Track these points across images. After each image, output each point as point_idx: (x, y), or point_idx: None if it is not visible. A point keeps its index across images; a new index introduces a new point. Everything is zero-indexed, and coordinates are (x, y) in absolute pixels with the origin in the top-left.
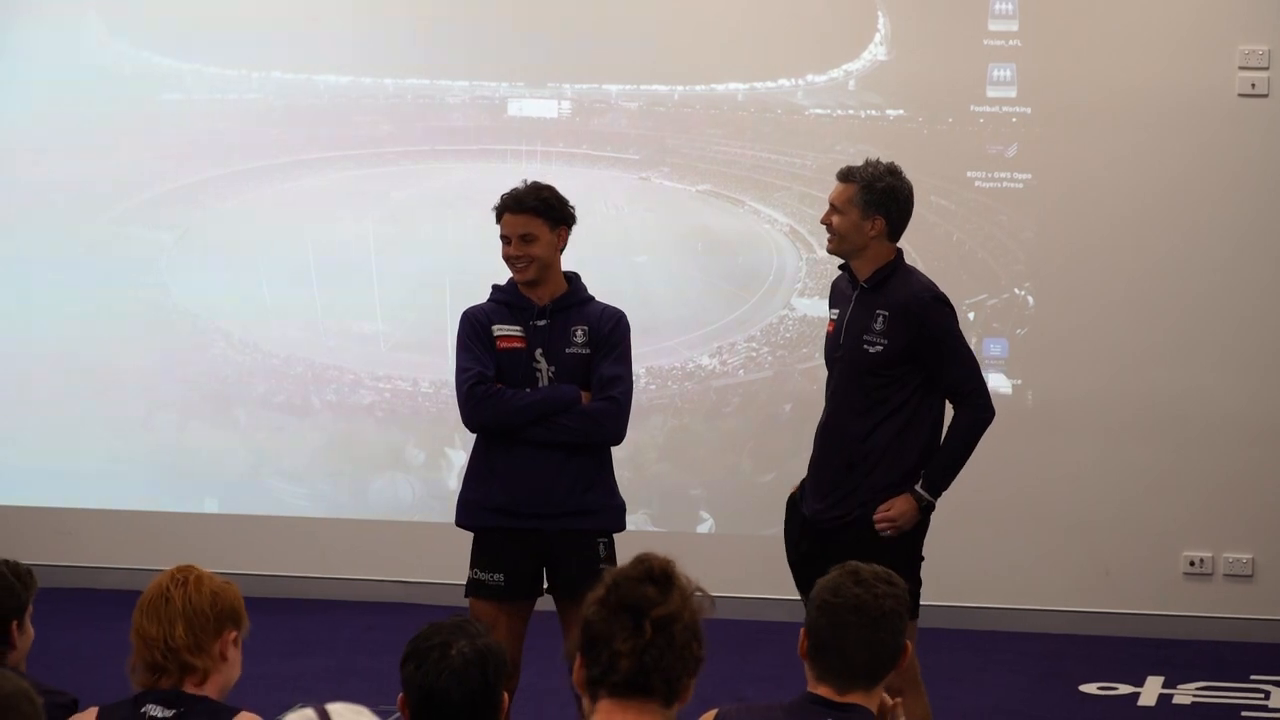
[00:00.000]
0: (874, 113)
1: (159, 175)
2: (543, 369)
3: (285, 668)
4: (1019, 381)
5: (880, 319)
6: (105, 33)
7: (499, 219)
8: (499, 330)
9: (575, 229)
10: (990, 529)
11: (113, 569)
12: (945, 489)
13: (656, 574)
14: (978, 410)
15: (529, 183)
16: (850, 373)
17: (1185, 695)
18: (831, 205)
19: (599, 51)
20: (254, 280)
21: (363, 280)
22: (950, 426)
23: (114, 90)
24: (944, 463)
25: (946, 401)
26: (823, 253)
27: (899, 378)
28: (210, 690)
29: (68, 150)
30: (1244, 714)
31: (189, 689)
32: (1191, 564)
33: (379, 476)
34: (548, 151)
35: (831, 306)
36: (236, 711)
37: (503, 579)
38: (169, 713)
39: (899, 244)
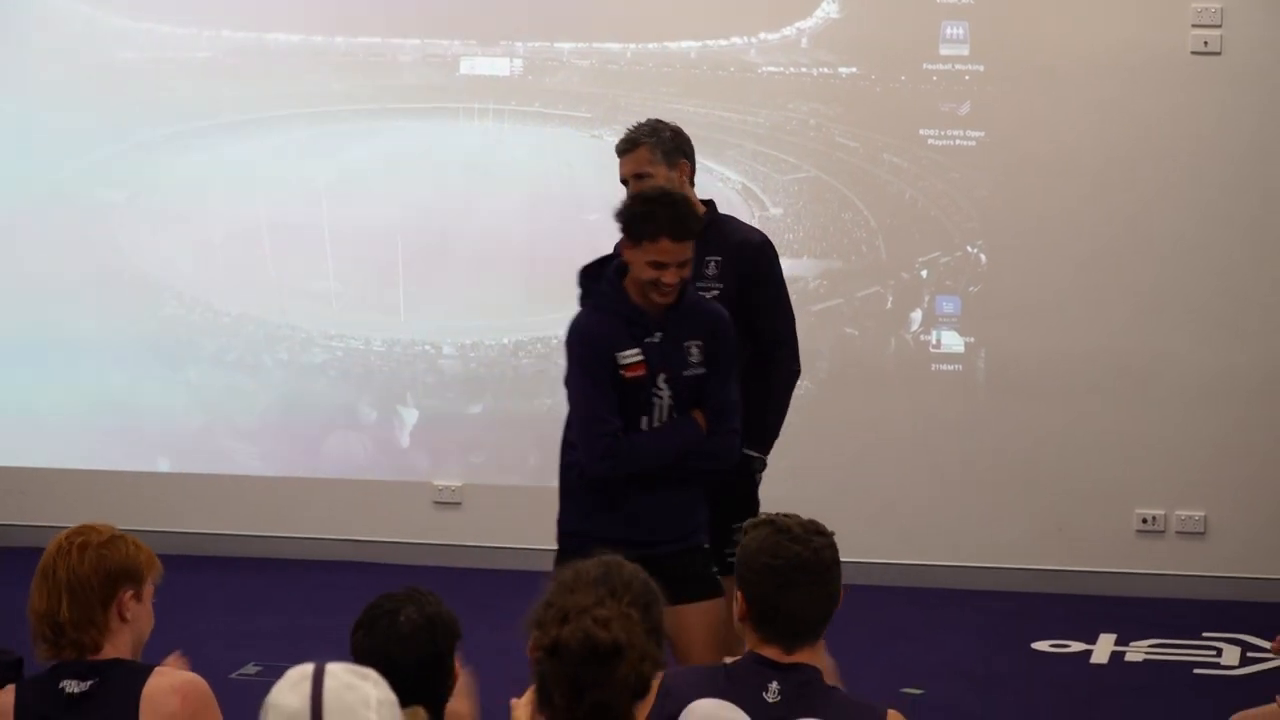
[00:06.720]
0: (826, 70)
1: (110, 134)
2: (664, 396)
3: (238, 625)
4: (972, 339)
5: (711, 264)
6: None
7: (653, 238)
8: (624, 359)
9: (527, 189)
10: (942, 486)
11: (65, 528)
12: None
13: None
14: (791, 362)
15: (668, 193)
16: None
17: (1138, 652)
18: (637, 176)
19: (551, 9)
20: (205, 239)
21: (314, 239)
22: (771, 385)
23: (65, 49)
24: (773, 424)
25: None
26: (776, 210)
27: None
28: (122, 650)
29: (17, 109)
30: (1196, 671)
31: (98, 656)
32: (1144, 521)
33: (331, 435)
34: (500, 110)
35: None
36: (151, 668)
37: None
38: (84, 685)
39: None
